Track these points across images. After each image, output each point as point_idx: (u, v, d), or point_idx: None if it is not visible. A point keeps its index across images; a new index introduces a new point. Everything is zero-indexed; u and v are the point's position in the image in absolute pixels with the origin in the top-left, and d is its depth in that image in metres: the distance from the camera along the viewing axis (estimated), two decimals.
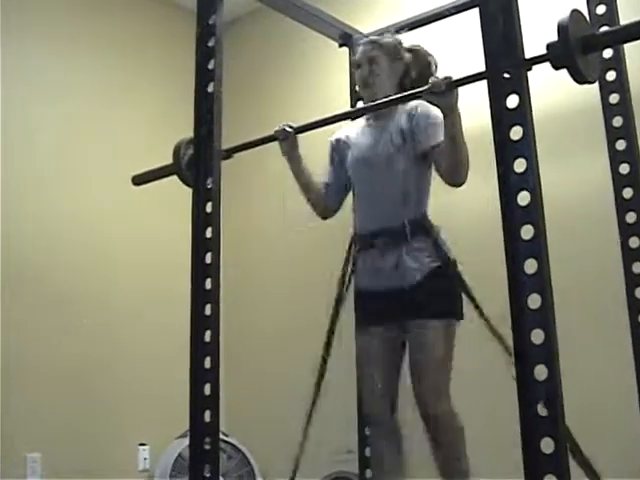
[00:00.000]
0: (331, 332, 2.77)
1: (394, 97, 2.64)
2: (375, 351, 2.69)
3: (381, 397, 2.66)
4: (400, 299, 2.59)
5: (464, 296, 2.58)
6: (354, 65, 2.87)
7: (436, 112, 2.56)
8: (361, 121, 2.87)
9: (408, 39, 3.46)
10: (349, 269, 2.78)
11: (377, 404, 2.67)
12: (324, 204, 2.89)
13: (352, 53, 3.43)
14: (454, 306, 2.59)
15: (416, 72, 2.79)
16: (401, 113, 2.72)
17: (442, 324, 2.55)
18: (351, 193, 2.91)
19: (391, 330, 2.65)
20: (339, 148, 2.88)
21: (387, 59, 2.76)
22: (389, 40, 2.81)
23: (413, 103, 2.68)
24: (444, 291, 2.58)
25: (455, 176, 2.54)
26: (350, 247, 2.79)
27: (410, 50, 2.82)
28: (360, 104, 3.33)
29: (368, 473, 3.04)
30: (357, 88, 2.87)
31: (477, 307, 2.52)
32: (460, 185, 2.54)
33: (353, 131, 2.87)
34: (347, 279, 2.78)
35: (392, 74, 2.77)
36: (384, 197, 2.66)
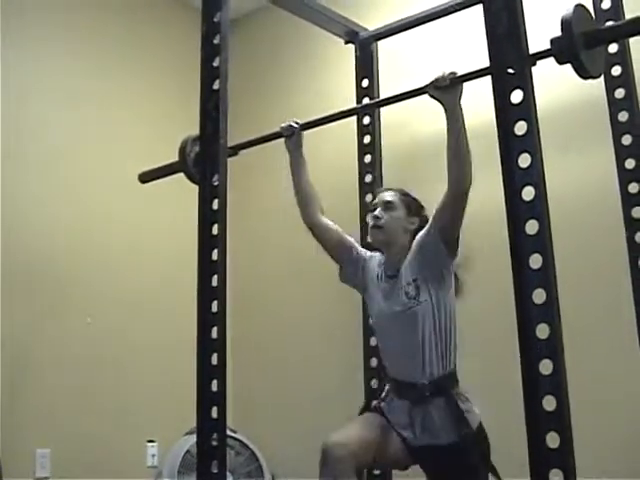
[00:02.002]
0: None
1: (397, 94, 2.64)
2: (376, 420, 2.60)
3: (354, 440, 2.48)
4: (413, 453, 2.54)
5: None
6: (370, 206, 2.78)
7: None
8: (379, 261, 2.74)
9: (414, 36, 3.49)
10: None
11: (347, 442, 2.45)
12: (312, 215, 2.79)
13: (358, 51, 3.44)
14: (481, 474, 2.48)
15: None
16: (410, 259, 2.60)
17: None
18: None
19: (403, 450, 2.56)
20: (360, 260, 2.75)
21: (404, 210, 2.65)
22: (411, 195, 2.71)
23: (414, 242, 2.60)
24: (464, 466, 2.46)
25: (460, 178, 2.40)
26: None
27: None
28: (366, 100, 3.35)
29: (375, 470, 3.05)
30: (368, 230, 2.71)
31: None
32: (467, 190, 2.41)
33: (374, 271, 2.72)
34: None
35: (406, 226, 2.64)
36: (404, 354, 2.54)
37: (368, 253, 2.78)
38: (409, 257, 2.59)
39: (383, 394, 2.69)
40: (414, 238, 2.62)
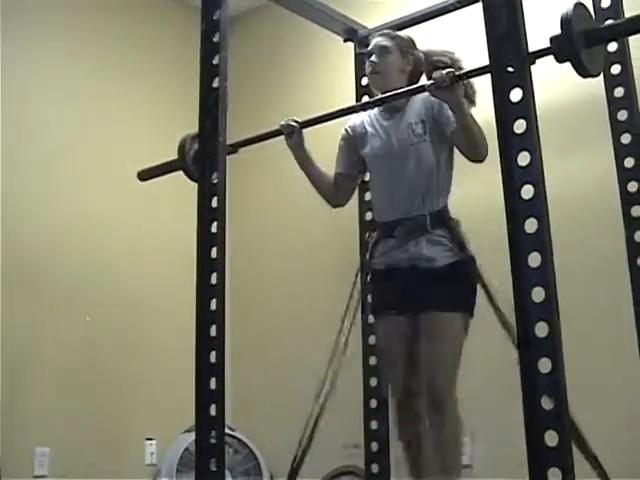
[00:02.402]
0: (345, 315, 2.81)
1: (398, 91, 2.64)
2: (392, 337, 2.72)
3: (399, 381, 2.67)
4: (416, 288, 2.61)
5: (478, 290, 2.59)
6: (365, 54, 2.87)
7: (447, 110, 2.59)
8: (374, 111, 2.86)
9: (413, 34, 3.48)
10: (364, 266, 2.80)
11: (396, 388, 2.70)
12: (336, 194, 2.90)
13: (357, 47, 3.44)
14: (470, 302, 2.60)
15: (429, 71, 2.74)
16: (416, 101, 2.72)
17: (457, 318, 2.57)
18: (367, 179, 2.92)
19: (406, 316, 2.66)
20: (352, 137, 2.88)
21: (398, 52, 2.77)
22: (402, 35, 2.83)
23: (425, 94, 2.66)
24: (461, 286, 2.60)
25: (476, 155, 2.56)
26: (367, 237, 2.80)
27: (425, 52, 2.81)
28: (365, 98, 3.35)
29: (374, 468, 3.05)
30: (366, 78, 2.87)
31: (492, 300, 2.52)
32: (482, 160, 2.55)
33: (367, 120, 2.86)
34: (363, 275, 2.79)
35: (402, 67, 2.77)
36: (407, 188, 2.66)
37: (356, 121, 2.90)
38: (420, 101, 2.70)
39: (368, 255, 2.79)
40: (411, 78, 2.77)
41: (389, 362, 2.75)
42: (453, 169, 2.73)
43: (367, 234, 2.86)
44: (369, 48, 2.83)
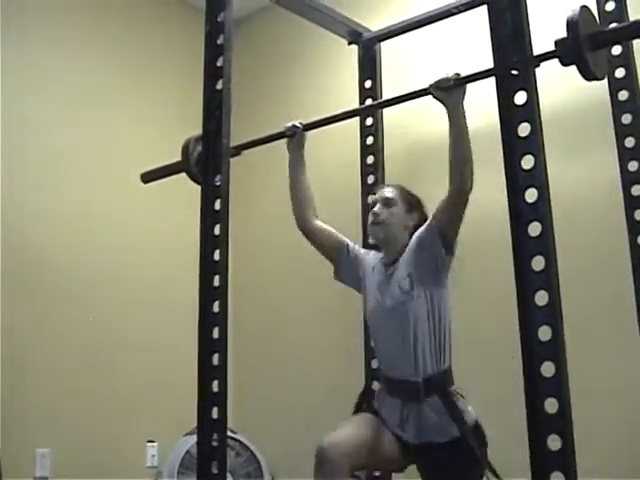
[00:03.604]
0: None
1: (399, 96, 2.64)
2: (370, 420, 2.60)
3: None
4: (406, 452, 2.53)
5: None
6: (369, 202, 2.78)
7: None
8: (377, 258, 2.76)
9: (417, 37, 3.48)
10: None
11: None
12: (305, 220, 2.81)
13: (361, 53, 3.44)
14: (477, 473, 2.47)
15: None
16: (405, 256, 2.61)
17: None
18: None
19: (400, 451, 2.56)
20: (354, 256, 2.78)
21: (403, 207, 2.66)
22: (409, 191, 2.72)
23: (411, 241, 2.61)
24: (458, 466, 2.47)
25: (461, 180, 2.39)
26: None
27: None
28: (369, 101, 3.35)
29: (376, 471, 3.04)
30: (368, 227, 2.75)
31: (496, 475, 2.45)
32: (468, 193, 2.41)
33: (370, 264, 2.74)
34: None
35: (405, 223, 2.65)
36: (398, 350, 2.54)
37: (362, 250, 2.81)
38: (406, 252, 2.60)
39: (376, 393, 2.71)
40: (412, 232, 2.63)
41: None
42: (450, 323, 2.56)
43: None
44: (373, 198, 2.74)
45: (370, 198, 2.81)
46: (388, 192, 2.68)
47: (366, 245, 2.97)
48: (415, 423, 2.50)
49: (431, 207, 2.59)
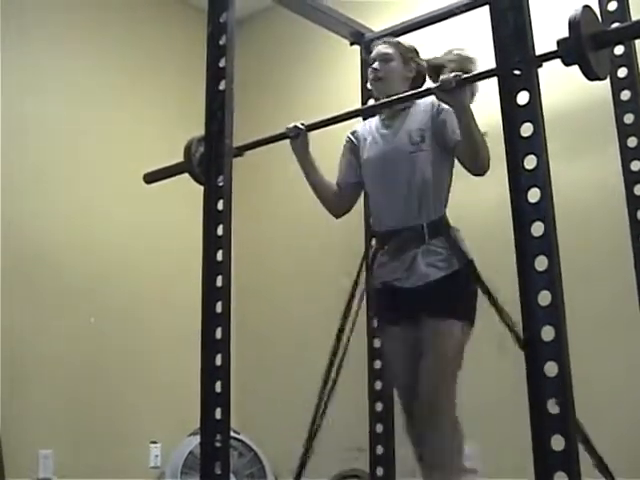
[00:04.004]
0: (341, 331, 2.75)
1: (405, 94, 2.64)
2: (395, 348, 2.70)
3: (405, 390, 2.64)
4: (413, 299, 2.58)
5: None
6: (368, 61, 2.86)
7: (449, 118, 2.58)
8: (375, 119, 2.85)
9: (420, 37, 3.48)
10: (363, 268, 2.78)
11: (403, 395, 2.67)
12: (337, 203, 2.86)
13: (363, 51, 3.44)
14: (468, 310, 2.56)
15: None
16: (418, 111, 2.69)
17: (455, 325, 2.52)
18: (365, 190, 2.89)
19: (407, 328, 2.63)
20: (354, 144, 2.86)
21: (401, 59, 2.75)
22: (405, 43, 2.81)
23: (430, 100, 2.65)
24: (458, 295, 2.56)
25: (476, 167, 2.51)
26: (367, 247, 2.79)
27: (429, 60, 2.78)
28: (371, 102, 3.34)
29: (379, 471, 3.04)
30: (368, 84, 2.85)
31: (495, 304, 2.49)
32: (483, 174, 2.50)
33: (367, 129, 2.84)
34: (359, 278, 2.78)
35: (404, 75, 2.75)
36: (403, 196, 2.62)
37: (352, 130, 2.89)
38: (421, 110, 2.68)
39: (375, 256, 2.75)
40: (413, 86, 2.73)
41: (394, 374, 2.76)
42: (452, 179, 2.68)
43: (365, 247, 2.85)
44: (371, 55, 2.82)
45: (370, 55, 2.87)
46: (385, 47, 2.77)
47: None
48: (418, 267, 2.56)
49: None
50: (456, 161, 2.62)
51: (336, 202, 2.86)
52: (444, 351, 2.51)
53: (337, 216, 2.89)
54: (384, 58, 2.74)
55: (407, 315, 2.61)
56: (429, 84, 2.68)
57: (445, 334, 2.51)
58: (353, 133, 2.88)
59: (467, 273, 2.54)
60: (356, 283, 2.78)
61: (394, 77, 2.73)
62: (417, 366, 2.57)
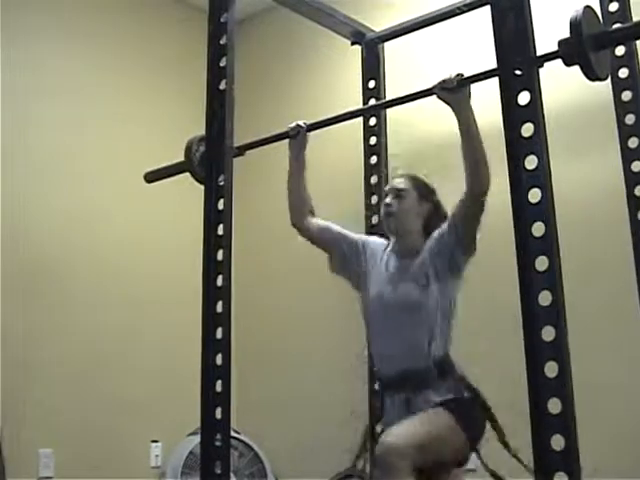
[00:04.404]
0: None
1: (402, 96, 2.64)
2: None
3: None
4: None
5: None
6: (383, 195, 2.78)
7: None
8: (389, 248, 2.75)
9: (421, 37, 3.48)
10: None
11: None
12: (302, 220, 2.81)
13: (364, 51, 3.44)
14: (471, 430, 2.48)
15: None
16: (424, 252, 2.61)
17: (453, 420, 2.46)
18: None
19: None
20: (358, 246, 2.77)
21: (416, 196, 2.66)
22: (422, 179, 2.72)
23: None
24: (466, 416, 2.48)
25: (478, 180, 2.39)
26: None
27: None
28: (372, 101, 3.35)
29: None
30: (381, 218, 2.75)
31: (503, 438, 2.47)
32: (486, 191, 2.40)
33: (379, 255, 2.74)
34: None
35: (418, 212, 2.66)
36: (408, 337, 2.55)
37: (363, 237, 2.83)
38: (425, 249, 2.60)
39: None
40: (427, 224, 2.65)
41: None
42: (454, 316, 2.60)
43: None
44: (386, 188, 2.75)
45: (384, 190, 2.82)
46: (399, 183, 2.69)
47: (373, 232, 2.97)
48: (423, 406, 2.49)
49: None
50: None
51: (301, 218, 2.81)
52: (434, 422, 2.44)
53: (293, 225, 2.83)
54: (398, 194, 2.66)
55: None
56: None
57: (443, 414, 2.45)
58: (365, 241, 2.80)
59: (473, 400, 2.51)
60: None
61: (407, 213, 2.64)
62: None
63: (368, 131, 3.34)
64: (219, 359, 2.42)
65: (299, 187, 2.83)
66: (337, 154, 4.13)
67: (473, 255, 2.54)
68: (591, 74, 1.96)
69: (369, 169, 3.31)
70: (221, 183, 2.54)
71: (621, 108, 2.66)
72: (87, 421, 3.94)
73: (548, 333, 1.76)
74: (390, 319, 2.61)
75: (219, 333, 2.43)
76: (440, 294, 2.54)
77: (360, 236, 2.82)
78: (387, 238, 2.77)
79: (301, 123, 2.82)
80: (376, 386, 3.09)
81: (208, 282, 2.49)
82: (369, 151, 3.32)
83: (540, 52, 1.96)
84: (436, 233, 2.59)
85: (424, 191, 2.69)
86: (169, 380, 4.28)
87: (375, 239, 2.81)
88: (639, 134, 2.62)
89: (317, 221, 2.82)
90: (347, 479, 3.88)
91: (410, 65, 3.99)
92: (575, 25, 1.91)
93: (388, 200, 2.67)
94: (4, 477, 3.45)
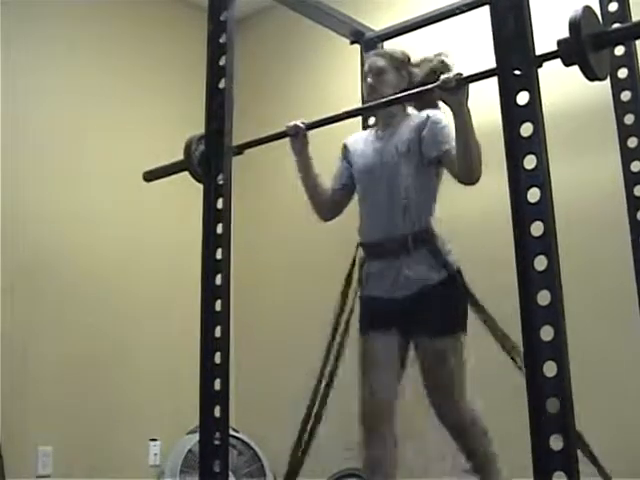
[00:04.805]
0: (332, 339, 2.77)
1: (402, 94, 2.64)
2: (376, 356, 2.66)
3: (379, 402, 2.61)
4: (400, 311, 2.60)
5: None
6: (363, 76, 2.88)
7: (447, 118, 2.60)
8: (371, 130, 2.90)
9: (420, 37, 3.48)
10: (353, 279, 2.79)
11: (375, 408, 2.61)
12: (328, 208, 2.90)
13: (363, 50, 3.44)
14: (460, 321, 2.58)
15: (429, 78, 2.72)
16: (409, 124, 2.73)
17: (452, 340, 2.55)
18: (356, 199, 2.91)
19: (392, 337, 2.63)
20: (347, 152, 2.91)
21: (394, 71, 2.79)
22: (397, 53, 2.85)
23: (423, 113, 2.71)
24: (449, 307, 2.58)
25: (469, 174, 2.52)
26: (355, 257, 2.80)
27: (419, 64, 2.83)
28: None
29: None
30: (365, 98, 2.87)
31: (483, 314, 2.53)
32: (475, 183, 2.52)
33: (361, 139, 2.90)
34: (350, 289, 2.79)
35: (398, 84, 2.77)
36: (387, 207, 2.65)
37: (348, 139, 2.95)
38: (412, 125, 2.72)
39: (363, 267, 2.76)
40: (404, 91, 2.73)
41: (372, 374, 2.66)
42: (438, 188, 2.72)
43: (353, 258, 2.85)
44: (365, 69, 2.85)
45: (364, 68, 2.90)
46: (377, 61, 2.81)
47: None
48: (403, 279, 2.59)
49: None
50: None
51: (327, 206, 2.89)
52: (447, 367, 2.52)
53: (326, 220, 2.93)
54: (377, 72, 2.78)
55: (394, 325, 2.62)
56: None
57: (444, 351, 2.52)
58: (348, 141, 2.92)
59: (454, 283, 2.57)
60: (345, 294, 2.79)
61: (389, 90, 2.74)
62: (397, 376, 2.61)
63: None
64: (218, 358, 2.42)
65: (314, 185, 2.88)
66: (336, 153, 4.12)
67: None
68: (590, 74, 1.96)
69: None
70: (220, 182, 2.54)
71: (620, 108, 2.66)
72: (86, 419, 3.94)
73: (547, 333, 1.75)
74: (371, 186, 2.74)
75: (218, 332, 2.43)
76: (418, 164, 2.65)
77: (344, 145, 2.95)
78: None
79: (299, 122, 2.82)
80: None
81: (207, 281, 2.49)
82: None
83: (539, 52, 1.96)
84: (431, 123, 2.66)
85: (400, 64, 2.82)
86: (168, 379, 4.28)
87: (352, 136, 2.95)
88: (638, 134, 2.62)
89: (332, 197, 2.90)
90: (348, 478, 3.88)
91: None
92: (574, 25, 1.91)
93: (369, 80, 2.79)
94: (3, 475, 3.45)
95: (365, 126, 3.07)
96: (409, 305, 2.59)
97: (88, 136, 4.30)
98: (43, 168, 4.06)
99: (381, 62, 2.79)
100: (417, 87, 2.64)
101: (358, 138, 2.91)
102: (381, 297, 2.65)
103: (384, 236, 2.65)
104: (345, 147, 2.92)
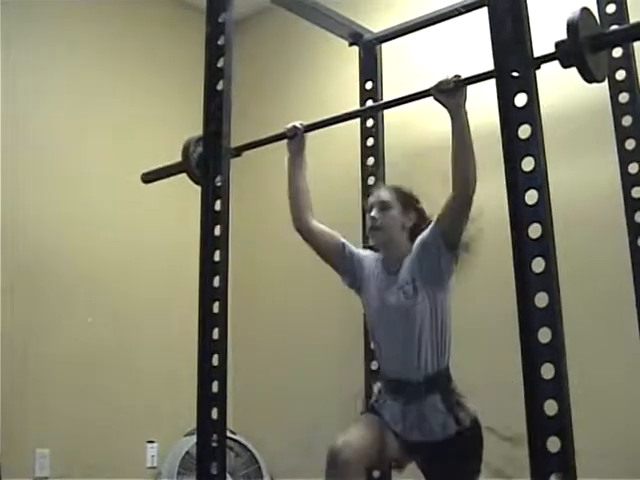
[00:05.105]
0: None
1: (401, 97, 2.63)
2: (374, 423, 2.59)
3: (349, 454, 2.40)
4: (411, 448, 2.57)
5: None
6: (366, 208, 2.75)
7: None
8: (375, 257, 2.76)
9: (418, 38, 3.48)
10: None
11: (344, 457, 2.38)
12: (304, 220, 2.77)
13: (362, 52, 3.44)
14: (475, 470, 2.54)
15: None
16: (407, 262, 2.62)
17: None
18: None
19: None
20: (350, 257, 2.75)
21: (400, 207, 2.66)
22: (404, 189, 2.72)
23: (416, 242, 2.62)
24: (460, 461, 2.52)
25: (464, 184, 2.40)
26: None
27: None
28: (370, 102, 3.35)
29: (375, 472, 3.04)
30: (367, 231, 2.75)
31: None
32: (470, 196, 2.41)
33: (370, 264, 2.74)
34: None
35: (403, 223, 2.65)
36: (402, 350, 2.55)
37: (361, 251, 2.81)
38: (410, 257, 2.60)
39: (375, 395, 2.70)
40: (412, 234, 2.64)
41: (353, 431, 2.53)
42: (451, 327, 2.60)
43: None
44: (370, 201, 2.74)
45: (367, 201, 2.77)
46: (384, 195, 2.68)
47: (366, 246, 2.96)
48: (416, 422, 2.52)
49: (432, 208, 2.60)
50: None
51: (304, 221, 2.77)
52: None
53: (296, 228, 2.80)
54: (383, 206, 2.65)
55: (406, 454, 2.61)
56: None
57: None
58: (354, 251, 2.78)
59: (466, 437, 2.50)
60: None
61: (393, 225, 2.64)
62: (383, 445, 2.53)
63: (365, 132, 3.34)
64: (215, 360, 2.42)
65: (300, 188, 2.80)
66: (334, 155, 4.12)
67: (458, 258, 2.54)
68: (588, 76, 1.96)
69: (366, 170, 3.31)
70: (218, 184, 2.54)
71: (618, 110, 2.67)
72: (83, 421, 3.94)
73: (544, 335, 1.76)
74: (385, 330, 2.63)
75: (216, 334, 2.43)
76: (429, 303, 2.53)
77: (359, 251, 2.79)
78: (377, 251, 2.76)
79: (298, 124, 2.82)
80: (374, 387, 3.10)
81: (205, 283, 2.49)
82: (366, 152, 3.32)
83: (537, 54, 1.96)
84: (419, 240, 2.59)
85: (408, 201, 2.68)
86: (166, 380, 4.28)
87: (369, 254, 2.78)
88: (636, 136, 2.62)
89: (319, 226, 2.78)
90: None
91: (407, 66, 3.99)
92: (572, 27, 1.91)
93: (373, 213, 2.65)
94: (0, 477, 3.44)
95: (366, 246, 2.92)
96: (415, 452, 2.57)
97: (88, 136, 4.30)
98: (43, 168, 4.06)
99: (387, 197, 2.66)
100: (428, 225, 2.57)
101: (366, 259, 2.76)
102: (396, 431, 2.57)
103: (398, 377, 2.57)
104: (348, 248, 2.77)
